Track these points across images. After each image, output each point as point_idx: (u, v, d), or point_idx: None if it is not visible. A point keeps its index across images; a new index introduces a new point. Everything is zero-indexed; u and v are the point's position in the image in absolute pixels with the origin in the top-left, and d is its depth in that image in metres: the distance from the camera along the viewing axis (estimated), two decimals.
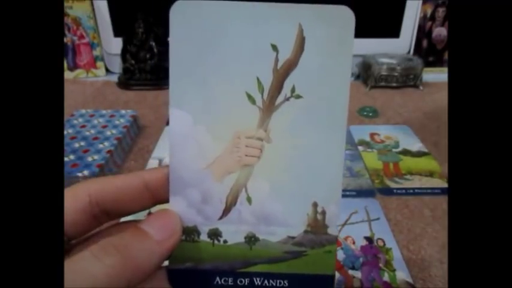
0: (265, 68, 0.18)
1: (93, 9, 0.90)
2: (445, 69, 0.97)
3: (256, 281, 0.20)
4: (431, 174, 0.54)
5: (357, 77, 0.91)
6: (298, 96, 0.19)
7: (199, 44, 0.18)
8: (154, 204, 0.20)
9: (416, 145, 0.62)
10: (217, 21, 0.18)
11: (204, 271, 0.19)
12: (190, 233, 0.19)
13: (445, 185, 0.52)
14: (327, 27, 0.18)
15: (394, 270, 0.38)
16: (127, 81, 0.87)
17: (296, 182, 0.19)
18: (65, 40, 0.91)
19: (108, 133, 0.58)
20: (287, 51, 0.18)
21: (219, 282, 0.19)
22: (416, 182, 0.53)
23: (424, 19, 0.93)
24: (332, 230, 0.20)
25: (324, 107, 0.19)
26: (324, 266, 0.20)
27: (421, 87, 0.86)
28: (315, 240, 0.20)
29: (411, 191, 0.51)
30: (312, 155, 0.19)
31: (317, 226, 0.19)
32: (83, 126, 0.60)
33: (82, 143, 0.55)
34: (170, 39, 0.18)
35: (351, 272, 0.38)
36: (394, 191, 0.51)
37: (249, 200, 0.19)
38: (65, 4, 0.88)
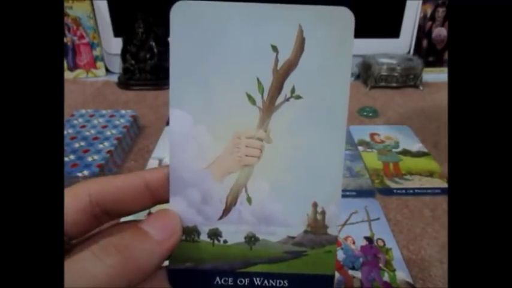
0: (265, 68, 0.18)
1: (93, 9, 0.90)
2: (445, 69, 0.97)
3: (256, 281, 0.20)
4: (431, 174, 0.54)
5: (357, 77, 0.91)
6: (298, 97, 0.19)
7: (199, 44, 0.18)
8: (154, 204, 0.20)
9: (416, 145, 0.62)
10: (218, 22, 0.18)
11: (204, 271, 0.20)
12: (190, 233, 0.19)
13: (445, 185, 0.52)
14: (326, 28, 0.18)
15: (394, 270, 0.38)
16: (127, 81, 0.87)
17: (296, 182, 0.19)
18: (65, 40, 0.91)
19: (108, 133, 0.59)
20: (287, 52, 0.18)
21: (219, 282, 0.20)
22: (416, 182, 0.53)
23: (424, 19, 0.93)
24: (332, 230, 0.20)
25: (324, 107, 0.19)
26: (324, 266, 0.20)
27: (421, 87, 0.86)
28: (315, 240, 0.20)
29: (411, 191, 0.51)
30: (312, 155, 0.19)
31: (317, 226, 0.19)
32: (83, 126, 0.60)
33: (82, 143, 0.55)
34: (171, 39, 0.18)
35: (351, 272, 0.38)
36: (394, 191, 0.51)
37: (249, 200, 0.19)
38: (65, 4, 0.88)
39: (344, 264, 0.39)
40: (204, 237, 0.19)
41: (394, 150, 0.61)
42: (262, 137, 0.19)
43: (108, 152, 0.54)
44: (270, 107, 0.19)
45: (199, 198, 0.19)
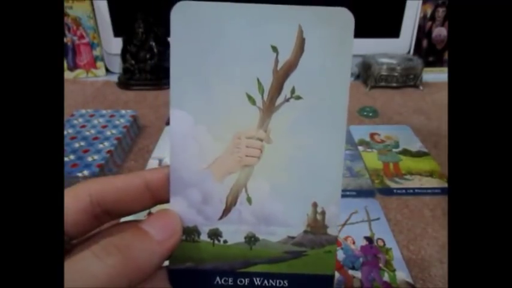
0: (266, 69, 0.18)
1: (93, 9, 0.91)
2: (445, 69, 0.97)
3: (256, 281, 0.20)
4: (431, 174, 0.54)
5: (357, 77, 0.91)
6: (298, 97, 0.19)
7: (200, 44, 0.18)
8: (154, 204, 0.20)
9: (416, 145, 0.62)
10: (218, 23, 0.18)
11: (204, 271, 0.20)
12: (190, 233, 0.19)
13: (445, 185, 0.52)
14: (326, 28, 0.18)
15: (394, 270, 0.38)
16: (127, 81, 0.87)
17: (296, 182, 0.19)
18: (65, 40, 0.91)
19: (108, 133, 0.59)
20: (287, 53, 0.18)
21: (219, 282, 0.20)
22: (416, 182, 0.53)
23: (424, 19, 0.93)
24: (332, 230, 0.20)
25: (323, 108, 0.19)
26: (324, 266, 0.20)
27: (421, 87, 0.86)
28: (315, 240, 0.20)
29: (411, 191, 0.51)
30: (311, 156, 0.19)
31: (317, 226, 0.20)
32: (83, 126, 0.60)
33: (82, 143, 0.55)
34: (171, 40, 0.18)
35: (351, 272, 0.38)
36: (394, 191, 0.51)
37: (249, 200, 0.19)
38: (65, 4, 0.88)
39: (344, 264, 0.39)
40: (204, 237, 0.19)
41: (394, 150, 0.61)
42: (262, 137, 0.19)
43: (108, 152, 0.54)
44: (270, 108, 0.19)
45: (199, 198, 0.19)
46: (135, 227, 0.17)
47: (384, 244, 0.42)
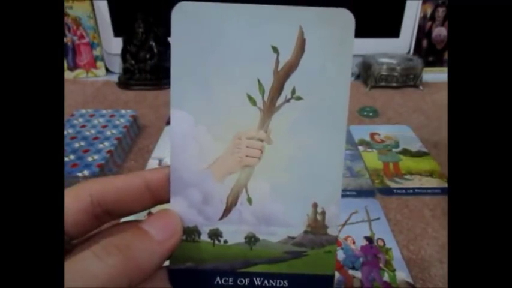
0: (266, 69, 0.18)
1: (93, 9, 0.91)
2: (445, 69, 0.97)
3: (256, 281, 0.20)
4: (431, 174, 0.54)
5: (357, 77, 0.91)
6: (299, 98, 0.19)
7: (200, 45, 0.18)
8: (155, 205, 0.20)
9: (416, 145, 0.62)
10: (219, 23, 0.18)
11: (205, 271, 0.20)
12: (191, 233, 0.19)
13: (445, 185, 0.52)
14: (327, 29, 0.18)
15: (394, 270, 0.38)
16: (127, 81, 0.87)
17: (296, 182, 0.19)
18: (65, 40, 0.91)
19: (108, 133, 0.59)
20: (288, 53, 0.18)
21: (220, 282, 0.20)
22: (416, 182, 0.53)
23: (424, 19, 0.93)
24: (332, 231, 0.20)
25: (324, 109, 0.19)
26: (324, 266, 0.20)
27: (421, 87, 0.86)
28: (315, 240, 0.20)
29: (411, 191, 0.51)
30: (312, 156, 0.19)
31: (317, 226, 0.20)
32: (83, 126, 0.60)
33: (82, 143, 0.55)
34: (172, 40, 0.18)
35: (351, 272, 0.38)
36: (394, 191, 0.51)
37: (249, 200, 0.19)
38: (65, 4, 0.88)
39: (344, 264, 0.39)
40: (204, 237, 0.20)
41: (394, 150, 0.61)
42: (262, 137, 0.19)
43: (108, 152, 0.54)
44: (270, 108, 0.19)
45: (199, 198, 0.19)
46: (135, 227, 0.17)
47: (384, 244, 0.42)
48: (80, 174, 0.49)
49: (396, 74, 0.85)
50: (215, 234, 0.20)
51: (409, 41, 0.95)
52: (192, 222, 0.19)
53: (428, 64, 0.94)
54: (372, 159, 0.58)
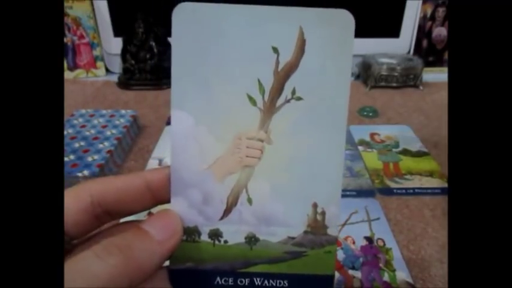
0: (266, 70, 0.18)
1: (93, 9, 0.91)
2: (445, 69, 0.97)
3: (257, 281, 0.20)
4: (431, 174, 0.54)
5: (357, 77, 0.91)
6: (299, 98, 0.19)
7: (201, 46, 0.18)
8: (155, 205, 0.20)
9: (416, 145, 0.62)
10: (219, 24, 0.18)
11: (205, 271, 0.20)
12: (191, 233, 0.19)
13: (445, 185, 0.52)
14: (327, 30, 0.18)
15: (394, 270, 0.38)
16: (127, 81, 0.87)
17: (296, 182, 0.19)
18: (65, 40, 0.91)
19: (108, 133, 0.59)
20: (288, 54, 0.18)
21: (220, 282, 0.20)
22: (416, 182, 0.53)
23: (424, 19, 0.93)
24: (332, 231, 0.20)
25: (324, 109, 0.19)
26: (324, 266, 0.20)
27: (421, 87, 0.86)
28: (315, 240, 0.20)
29: (411, 191, 0.51)
30: (312, 156, 0.19)
31: (317, 227, 0.20)
32: (83, 126, 0.60)
33: (82, 143, 0.55)
34: (172, 41, 0.18)
35: (351, 272, 0.38)
36: (394, 191, 0.51)
37: (249, 200, 0.19)
38: (65, 4, 0.88)
39: (344, 264, 0.39)
40: (204, 237, 0.20)
41: (394, 150, 0.61)
42: (262, 138, 0.19)
43: (108, 152, 0.54)
44: (270, 108, 0.19)
45: (200, 198, 0.19)
46: (135, 227, 0.17)
47: (384, 244, 0.42)
48: (80, 174, 0.49)
49: (396, 74, 0.85)
50: (215, 235, 0.20)
51: (409, 41, 0.95)
52: (192, 223, 0.19)
53: (428, 64, 0.94)
54: (372, 159, 0.58)
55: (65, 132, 0.58)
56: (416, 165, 0.56)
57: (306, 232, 0.20)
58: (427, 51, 0.96)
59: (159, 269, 0.18)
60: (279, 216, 0.19)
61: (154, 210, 0.20)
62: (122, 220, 0.21)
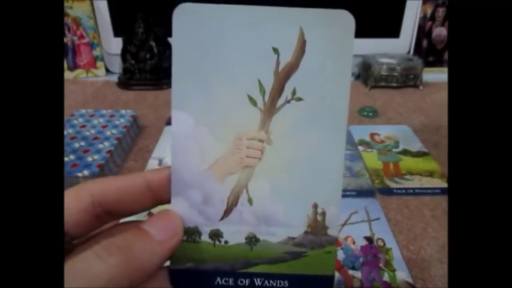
0: (267, 70, 0.18)
1: (93, 9, 0.91)
2: (445, 69, 0.97)
3: (257, 281, 0.20)
4: (431, 174, 0.54)
5: (357, 77, 0.91)
6: (299, 99, 0.19)
7: (201, 46, 0.18)
8: (155, 205, 0.20)
9: (416, 145, 0.62)
10: (220, 24, 0.18)
11: (205, 271, 0.20)
12: (191, 233, 0.19)
13: (445, 185, 0.52)
14: (327, 31, 0.18)
15: (394, 270, 0.38)
16: (127, 81, 0.88)
17: (296, 183, 0.19)
18: (65, 40, 0.91)
19: (108, 133, 0.59)
20: (288, 54, 0.18)
21: (220, 283, 0.20)
22: (416, 182, 0.53)
23: (424, 19, 0.93)
24: (332, 231, 0.20)
25: (324, 109, 0.19)
26: (324, 266, 0.20)
27: (421, 87, 0.86)
28: (315, 241, 0.20)
29: (411, 191, 0.51)
30: (312, 157, 0.19)
31: (317, 227, 0.20)
32: (83, 126, 0.60)
33: (82, 143, 0.55)
34: (173, 41, 0.18)
35: (351, 272, 0.38)
36: (394, 191, 0.51)
37: (250, 201, 0.19)
38: (65, 4, 0.88)
39: (344, 264, 0.39)
40: (205, 237, 0.20)
41: (394, 150, 0.61)
42: (263, 138, 0.19)
43: (108, 152, 0.54)
44: (271, 109, 0.19)
45: (200, 199, 0.19)
46: (136, 228, 0.17)
47: (384, 244, 0.42)
48: (80, 174, 0.49)
49: (396, 74, 0.85)
50: (216, 235, 0.20)
51: (409, 41, 0.95)
52: (192, 223, 0.19)
53: (428, 64, 0.94)
54: (371, 159, 0.58)
55: (65, 132, 0.58)
56: (416, 165, 0.57)
57: (306, 232, 0.20)
58: (427, 51, 0.96)
59: (160, 269, 0.18)
60: (279, 216, 0.19)
61: (154, 210, 0.20)
62: (122, 220, 0.21)
